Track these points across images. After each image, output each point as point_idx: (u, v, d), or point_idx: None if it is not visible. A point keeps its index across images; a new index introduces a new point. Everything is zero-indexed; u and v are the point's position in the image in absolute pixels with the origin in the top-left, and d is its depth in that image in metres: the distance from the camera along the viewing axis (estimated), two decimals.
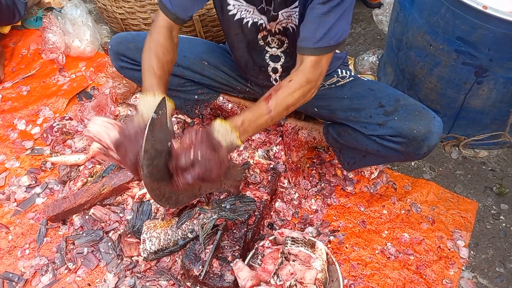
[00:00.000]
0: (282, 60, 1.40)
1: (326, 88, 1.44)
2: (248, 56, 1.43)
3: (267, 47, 1.37)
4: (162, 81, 1.20)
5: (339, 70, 1.48)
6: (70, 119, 1.95)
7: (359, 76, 1.49)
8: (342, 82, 1.44)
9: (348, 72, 1.48)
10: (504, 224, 1.57)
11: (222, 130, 1.07)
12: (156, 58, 1.21)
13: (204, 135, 1.02)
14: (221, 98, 1.72)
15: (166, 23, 1.25)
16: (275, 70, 1.45)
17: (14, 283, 1.44)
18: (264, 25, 1.30)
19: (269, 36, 1.34)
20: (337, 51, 1.42)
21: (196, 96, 1.66)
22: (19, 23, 2.46)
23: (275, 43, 1.36)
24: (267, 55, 1.40)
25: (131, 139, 1.01)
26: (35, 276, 1.46)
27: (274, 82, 1.49)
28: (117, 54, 1.51)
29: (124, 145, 1.02)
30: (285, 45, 1.35)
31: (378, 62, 2.12)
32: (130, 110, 1.90)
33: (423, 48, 1.58)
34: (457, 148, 1.81)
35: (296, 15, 1.23)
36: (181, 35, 1.56)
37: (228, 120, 1.09)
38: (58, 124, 1.92)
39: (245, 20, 1.30)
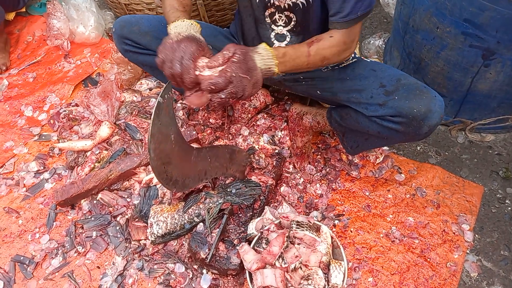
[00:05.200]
0: (288, 39, 1.39)
1: (330, 70, 1.43)
2: (255, 32, 1.42)
3: (273, 25, 1.37)
4: (187, 15, 1.23)
5: None
6: (76, 105, 1.96)
7: (362, 57, 1.48)
8: (345, 64, 1.43)
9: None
10: (509, 208, 1.57)
11: (264, 54, 1.11)
12: (176, 1, 1.25)
13: (241, 56, 1.06)
14: None
15: None
16: None
17: (25, 265, 1.47)
18: (272, 0, 1.29)
19: (276, 13, 1.33)
20: None
21: None
22: (23, 9, 2.45)
23: (282, 20, 1.34)
24: (273, 33, 1.39)
25: (171, 50, 1.06)
26: (45, 259, 1.49)
27: None
28: (121, 37, 1.51)
29: (168, 59, 1.05)
30: (292, 22, 1.34)
31: (384, 45, 2.09)
32: (136, 96, 1.91)
33: (430, 30, 1.56)
34: (463, 132, 1.80)
35: None
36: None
37: (272, 48, 1.13)
38: (65, 111, 1.93)
39: None
